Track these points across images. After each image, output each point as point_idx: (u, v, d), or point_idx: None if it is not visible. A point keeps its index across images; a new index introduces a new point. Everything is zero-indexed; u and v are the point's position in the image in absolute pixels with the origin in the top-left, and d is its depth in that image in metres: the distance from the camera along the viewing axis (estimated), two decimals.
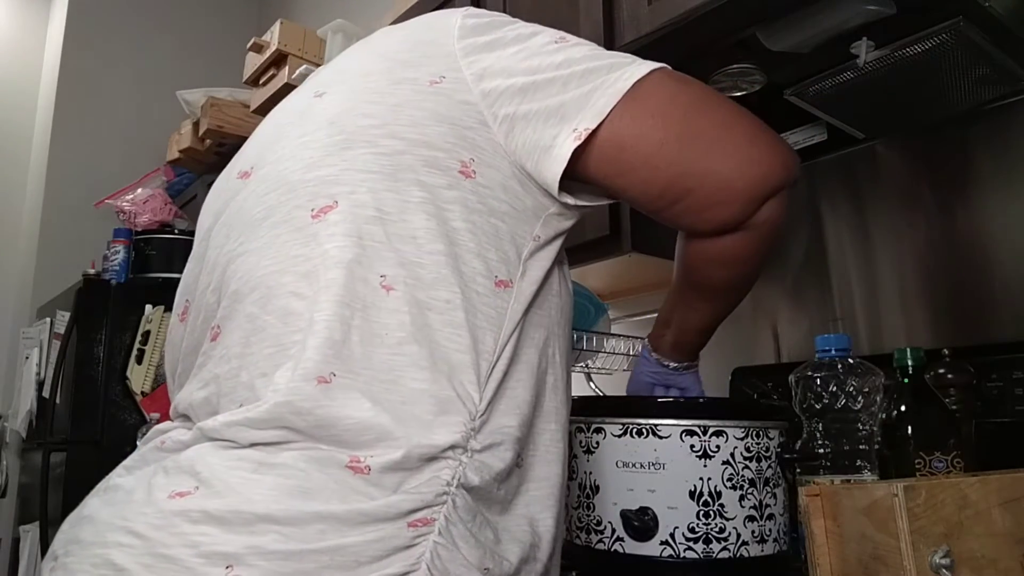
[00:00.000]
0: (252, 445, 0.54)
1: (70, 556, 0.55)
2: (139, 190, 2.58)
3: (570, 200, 0.68)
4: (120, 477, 0.61)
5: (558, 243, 0.69)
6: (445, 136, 0.64)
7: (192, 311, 0.69)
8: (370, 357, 0.56)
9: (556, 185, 0.65)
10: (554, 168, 0.65)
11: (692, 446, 0.82)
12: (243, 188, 0.68)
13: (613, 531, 0.83)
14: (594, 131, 0.65)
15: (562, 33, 0.72)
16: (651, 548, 0.80)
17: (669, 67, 0.70)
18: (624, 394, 1.01)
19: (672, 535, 0.80)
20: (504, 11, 1.06)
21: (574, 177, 0.67)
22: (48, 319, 2.40)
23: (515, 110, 0.66)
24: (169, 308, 2.37)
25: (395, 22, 1.68)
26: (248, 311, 0.60)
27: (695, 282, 0.83)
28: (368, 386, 0.55)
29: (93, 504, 0.59)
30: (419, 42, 0.71)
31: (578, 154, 0.65)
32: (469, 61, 0.68)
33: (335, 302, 0.56)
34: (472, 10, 0.74)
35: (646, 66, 0.68)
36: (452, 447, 0.55)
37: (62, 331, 2.20)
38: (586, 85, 0.66)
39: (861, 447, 0.87)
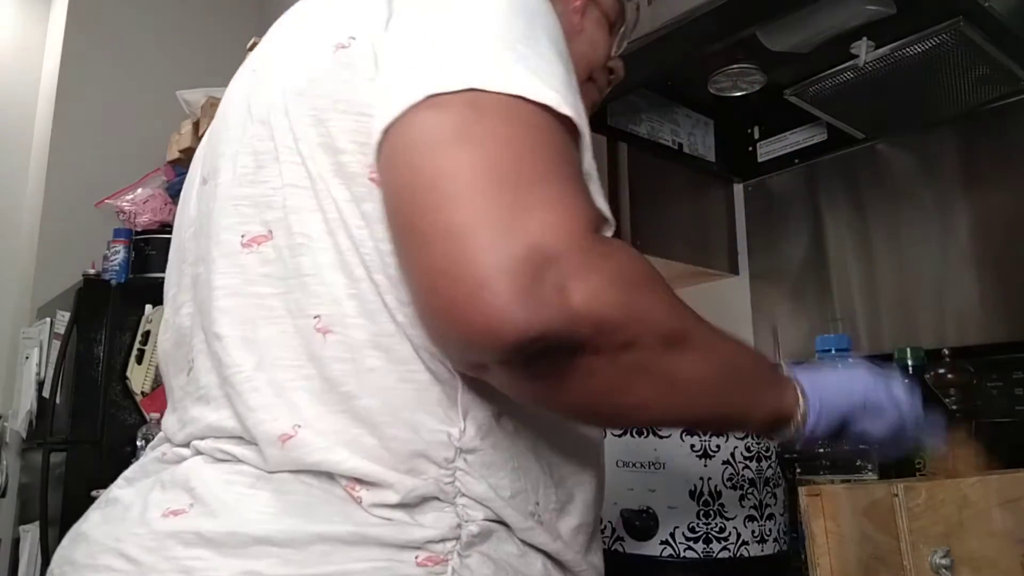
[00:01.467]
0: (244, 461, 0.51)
1: None
2: (139, 190, 2.58)
3: None
4: (120, 489, 0.58)
5: None
6: (347, 133, 0.51)
7: (171, 326, 0.64)
8: (328, 414, 0.50)
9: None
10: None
11: (692, 446, 0.82)
12: (203, 197, 0.62)
13: (613, 531, 0.83)
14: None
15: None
16: (651, 548, 0.80)
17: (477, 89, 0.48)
18: None
19: (672, 535, 0.80)
20: None
21: None
22: (48, 319, 2.40)
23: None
24: None
25: None
26: (212, 349, 0.55)
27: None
28: (338, 437, 0.49)
29: (93, 519, 0.56)
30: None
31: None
32: (393, 22, 0.52)
33: (282, 365, 0.51)
34: None
35: (422, 90, 0.47)
36: (439, 486, 0.50)
37: (62, 331, 2.19)
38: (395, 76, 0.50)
39: (861, 447, 0.87)
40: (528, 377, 0.46)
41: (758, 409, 0.57)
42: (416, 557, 0.47)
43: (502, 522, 0.52)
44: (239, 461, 0.51)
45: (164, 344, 0.66)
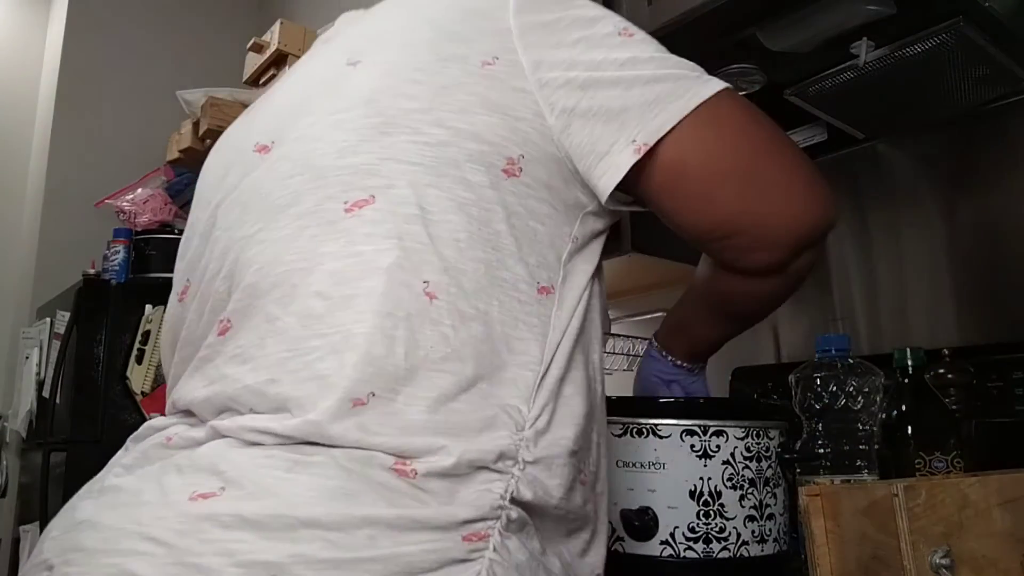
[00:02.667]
0: (279, 445, 0.50)
1: (73, 566, 0.49)
2: (139, 190, 2.58)
3: (623, 206, 0.65)
4: (119, 477, 0.55)
5: (596, 245, 0.65)
6: (495, 128, 0.58)
7: (194, 294, 0.63)
8: (413, 374, 0.51)
9: (607, 194, 0.62)
10: (607, 178, 0.61)
11: (692, 446, 0.82)
12: (260, 164, 0.62)
13: (613, 531, 0.83)
14: (653, 147, 0.61)
15: (626, 23, 0.67)
16: (651, 548, 0.80)
17: (731, 88, 0.65)
18: (623, 394, 1.01)
19: (672, 535, 0.80)
20: None
21: (626, 188, 0.63)
22: (48, 319, 2.40)
23: (575, 105, 0.61)
24: None
25: None
26: (268, 310, 0.55)
27: (717, 305, 0.82)
28: (406, 407, 0.50)
29: (87, 508, 0.53)
30: (469, 11, 0.65)
31: (635, 169, 0.61)
32: (525, 44, 0.61)
33: (375, 312, 0.52)
34: None
35: (713, 84, 0.63)
36: (502, 457, 0.51)
37: (62, 331, 2.20)
38: (650, 93, 0.61)
39: (861, 447, 0.87)
40: (817, 252, 0.70)
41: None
42: (461, 534, 0.47)
43: (532, 516, 0.53)
44: (271, 445, 0.50)
45: (173, 321, 0.66)
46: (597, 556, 0.60)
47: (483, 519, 0.49)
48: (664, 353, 0.91)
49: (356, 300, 0.52)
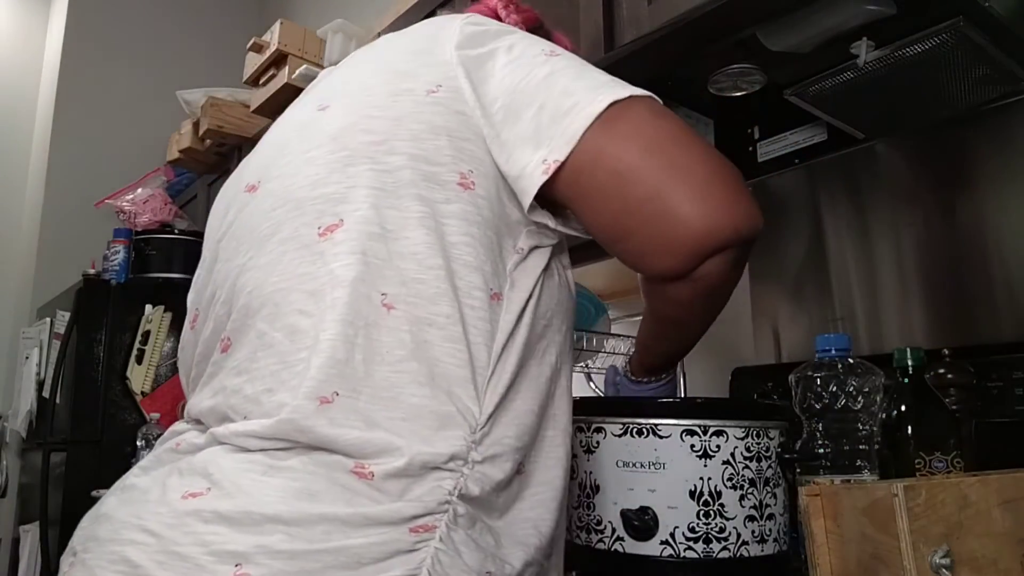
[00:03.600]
0: (261, 450, 0.57)
1: (88, 552, 0.57)
2: (139, 190, 2.58)
3: (550, 223, 0.68)
4: (136, 477, 0.63)
5: (543, 253, 0.69)
6: (443, 150, 0.65)
7: (202, 320, 0.71)
8: (371, 375, 0.57)
9: (525, 211, 0.66)
10: (524, 198, 0.65)
11: (692, 446, 0.82)
12: (251, 202, 0.70)
13: (613, 531, 0.83)
14: (564, 162, 0.64)
15: (554, 47, 0.72)
16: (651, 548, 0.80)
17: (653, 96, 0.68)
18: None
19: (672, 535, 0.80)
20: None
21: (548, 198, 0.67)
22: (48, 319, 2.40)
23: (498, 132, 0.67)
24: (169, 308, 2.37)
25: (395, 22, 1.68)
26: (258, 327, 0.62)
27: (650, 312, 0.83)
28: (369, 404, 0.56)
29: (110, 503, 0.61)
30: (418, 51, 0.72)
31: (549, 182, 0.65)
32: (464, 70, 0.69)
33: (339, 321, 0.58)
34: (473, 17, 0.75)
35: (625, 91, 0.66)
36: (453, 458, 0.56)
37: (62, 331, 2.20)
38: (563, 106, 0.65)
39: (861, 447, 0.87)
40: (729, 263, 0.65)
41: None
42: (409, 526, 0.53)
43: (481, 512, 0.58)
44: (255, 450, 0.57)
45: (192, 339, 0.73)
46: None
47: (430, 513, 0.54)
48: (624, 365, 0.99)
49: (327, 312, 0.59)
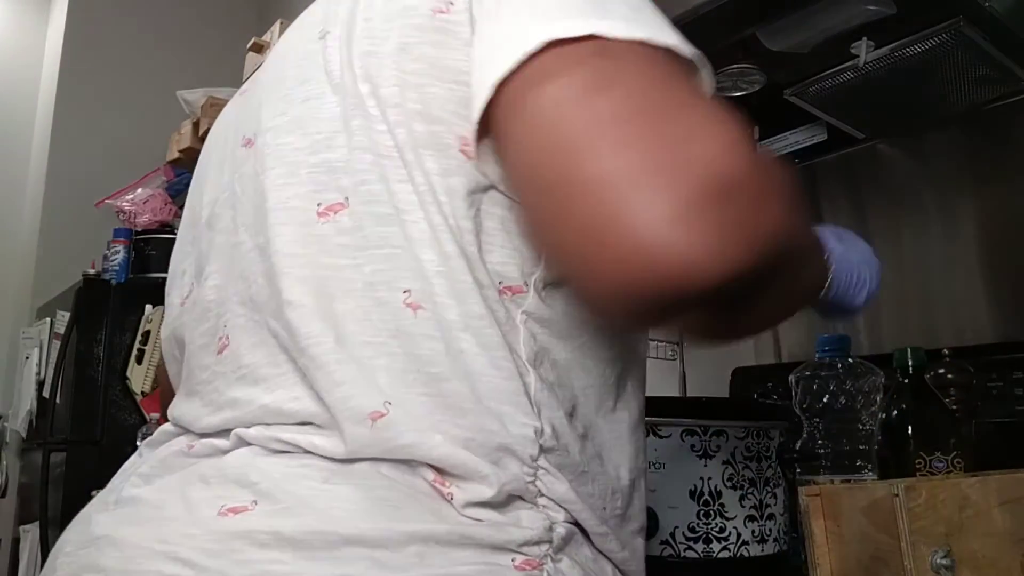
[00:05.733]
0: (309, 451, 0.46)
1: None
2: (139, 190, 2.58)
3: (490, 172, 0.50)
4: (137, 488, 0.51)
5: None
6: (443, 102, 0.49)
7: (193, 301, 0.59)
8: (417, 393, 0.46)
9: (476, 121, 0.46)
10: (474, 102, 0.46)
11: (692, 446, 0.82)
12: (247, 160, 0.57)
13: None
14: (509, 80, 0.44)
15: None
16: (651, 548, 0.80)
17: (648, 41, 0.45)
18: None
19: (672, 535, 0.80)
20: None
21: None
22: (48, 319, 2.40)
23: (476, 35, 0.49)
24: None
25: None
26: (270, 325, 0.50)
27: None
28: (429, 420, 0.46)
29: (105, 522, 0.49)
30: None
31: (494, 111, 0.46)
32: None
33: (354, 332, 0.48)
34: None
35: (578, 27, 0.43)
36: (527, 478, 0.47)
37: (62, 331, 2.19)
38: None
39: (861, 447, 0.87)
40: (723, 308, 0.43)
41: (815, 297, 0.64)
42: (513, 560, 0.43)
43: (578, 525, 0.49)
44: (304, 452, 0.46)
45: (176, 325, 0.62)
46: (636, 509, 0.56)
47: (539, 542, 0.45)
48: None
49: (331, 319, 0.48)
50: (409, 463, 0.45)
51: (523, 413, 0.47)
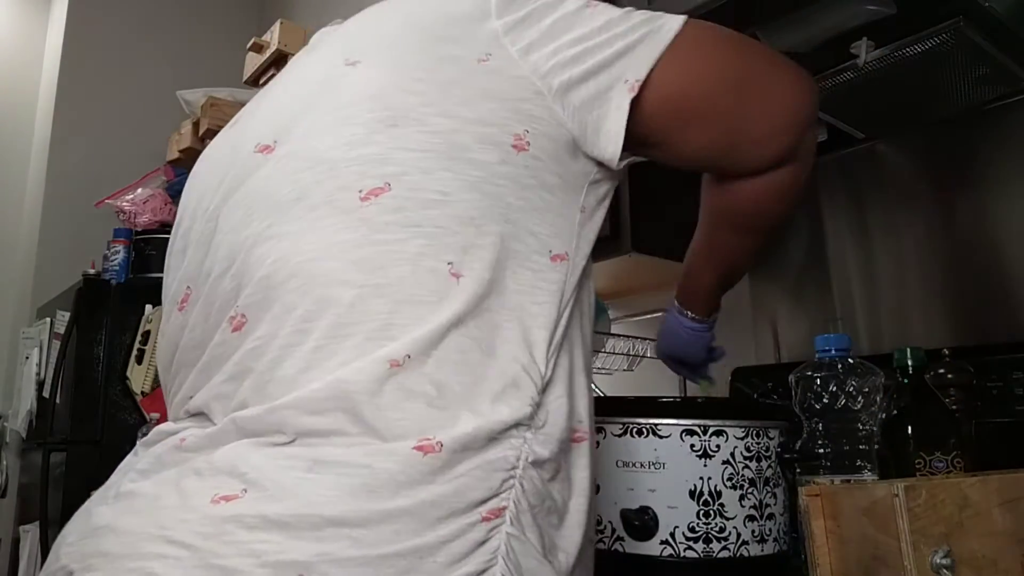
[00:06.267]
0: (296, 440, 0.50)
1: (94, 571, 0.49)
2: (139, 190, 2.58)
3: (620, 156, 0.66)
4: (134, 483, 0.54)
5: (600, 215, 0.68)
6: (497, 112, 0.61)
7: (195, 300, 0.63)
8: (441, 338, 0.53)
9: (620, 138, 0.65)
10: (612, 122, 0.65)
11: (692, 446, 0.82)
12: (264, 164, 0.62)
13: (613, 531, 0.83)
14: (646, 82, 0.65)
15: None
16: (651, 548, 0.80)
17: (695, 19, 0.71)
18: (622, 395, 1.01)
19: (672, 535, 0.80)
20: None
21: (634, 136, 0.66)
22: (48, 319, 2.40)
23: (569, 75, 0.64)
24: None
25: None
26: (287, 300, 0.54)
27: (740, 223, 0.85)
28: (437, 369, 0.52)
29: (105, 513, 0.53)
30: (454, 17, 0.68)
31: (638, 111, 0.65)
32: (511, 38, 0.65)
33: (400, 301, 0.53)
34: None
35: (681, 17, 0.69)
36: (517, 424, 0.52)
37: (62, 331, 2.20)
38: (630, 40, 0.66)
39: (861, 447, 0.87)
40: (812, 138, 0.79)
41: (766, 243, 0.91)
42: (480, 514, 0.49)
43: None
44: (284, 444, 0.50)
45: (181, 322, 0.64)
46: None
47: (496, 494, 0.50)
48: (687, 313, 0.96)
49: (386, 289, 0.54)
50: (389, 447, 0.49)
51: (534, 358, 0.56)
